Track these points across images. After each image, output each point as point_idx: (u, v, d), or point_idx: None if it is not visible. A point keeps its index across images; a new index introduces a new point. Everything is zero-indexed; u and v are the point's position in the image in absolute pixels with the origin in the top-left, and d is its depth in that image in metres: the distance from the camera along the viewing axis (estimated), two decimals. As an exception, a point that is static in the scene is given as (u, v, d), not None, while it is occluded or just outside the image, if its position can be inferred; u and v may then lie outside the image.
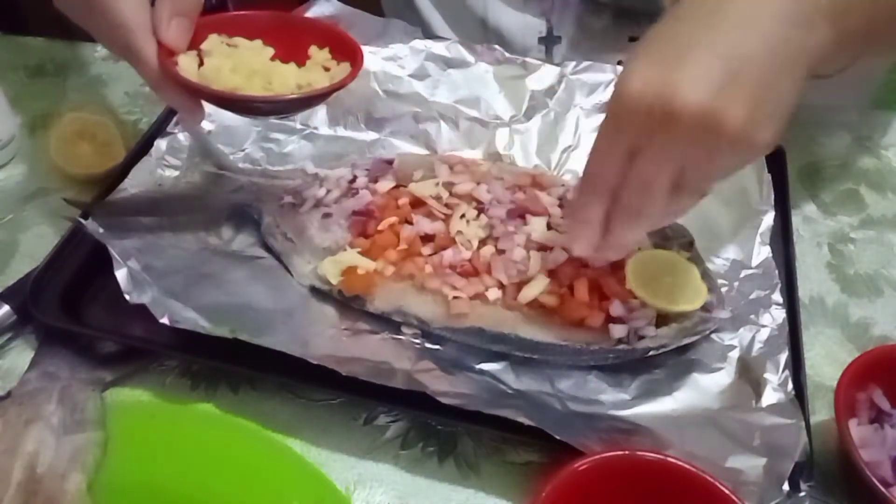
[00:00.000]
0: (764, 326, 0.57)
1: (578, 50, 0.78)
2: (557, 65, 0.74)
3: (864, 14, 0.47)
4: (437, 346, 0.58)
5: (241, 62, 0.55)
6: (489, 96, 0.74)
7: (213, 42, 0.55)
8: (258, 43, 0.57)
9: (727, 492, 0.45)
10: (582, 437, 0.49)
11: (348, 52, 0.57)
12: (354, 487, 0.53)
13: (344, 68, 0.57)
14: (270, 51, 0.57)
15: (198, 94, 0.53)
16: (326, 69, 0.57)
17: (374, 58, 0.73)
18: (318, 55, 0.58)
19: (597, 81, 0.73)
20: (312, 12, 0.75)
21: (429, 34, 0.78)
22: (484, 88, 0.74)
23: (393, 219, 0.61)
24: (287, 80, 0.55)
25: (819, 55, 0.45)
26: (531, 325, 0.56)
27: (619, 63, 0.79)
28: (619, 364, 0.56)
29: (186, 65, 0.53)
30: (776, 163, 0.70)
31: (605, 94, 0.73)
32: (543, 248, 0.59)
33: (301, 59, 0.57)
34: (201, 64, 0.54)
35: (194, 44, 0.54)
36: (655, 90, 0.41)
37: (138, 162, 0.67)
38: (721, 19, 0.43)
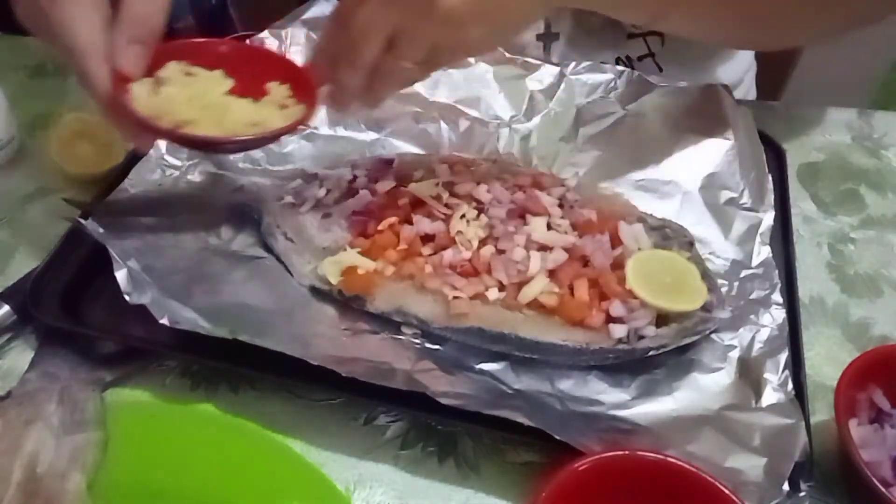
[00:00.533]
0: (764, 326, 0.57)
1: (576, 47, 0.78)
2: (557, 64, 0.74)
3: None
4: (437, 346, 0.58)
5: (197, 93, 0.54)
6: (489, 96, 0.74)
7: (171, 70, 0.54)
8: (218, 74, 0.56)
9: (727, 492, 0.45)
10: (582, 437, 0.49)
11: (308, 93, 0.56)
12: (354, 487, 0.53)
13: (299, 110, 0.56)
14: (229, 83, 0.55)
15: (146, 126, 0.52)
16: (283, 107, 0.56)
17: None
18: (277, 91, 0.56)
19: (597, 81, 0.73)
20: (312, 12, 0.75)
21: None
22: (484, 88, 0.74)
23: (393, 219, 0.61)
24: (240, 116, 0.54)
25: None
26: (531, 325, 0.56)
27: (618, 62, 0.79)
28: (619, 364, 0.56)
29: (140, 92, 0.52)
30: (776, 163, 0.71)
31: (604, 94, 0.73)
32: (543, 248, 0.59)
33: (260, 94, 0.56)
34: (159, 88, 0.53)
35: (152, 70, 0.53)
36: None
37: (138, 162, 0.67)
38: None
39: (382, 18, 0.51)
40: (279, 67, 0.58)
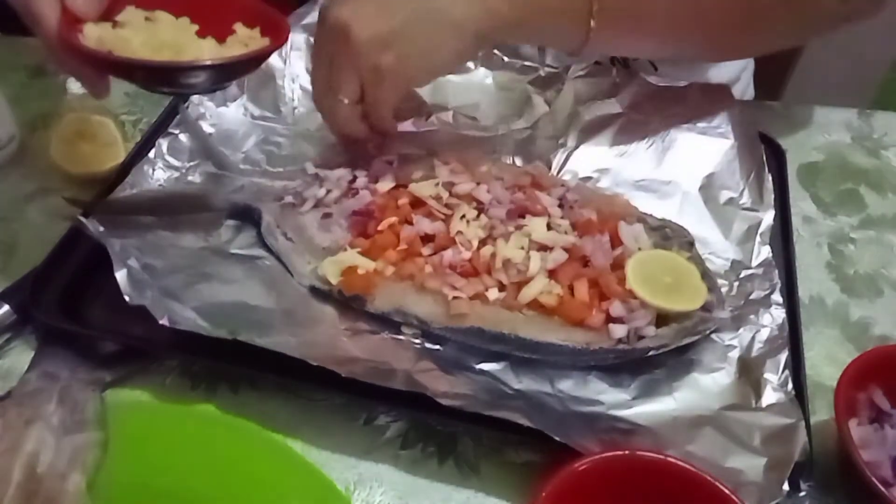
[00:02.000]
0: (764, 326, 0.57)
1: None
2: (556, 68, 0.74)
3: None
4: (437, 347, 0.58)
5: (153, 36, 0.51)
6: (489, 101, 0.74)
7: (130, 14, 0.52)
8: (184, 21, 0.54)
9: (727, 492, 0.45)
10: (582, 438, 0.49)
11: (277, 30, 0.55)
12: (354, 487, 0.53)
13: (265, 42, 0.54)
14: (193, 28, 0.53)
15: (98, 64, 0.50)
16: (247, 46, 0.54)
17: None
18: (242, 32, 0.55)
19: (596, 83, 0.73)
20: (312, 17, 0.75)
21: None
22: (483, 93, 0.74)
23: (393, 219, 0.61)
24: (200, 54, 0.52)
25: (478, 24, 0.58)
26: (531, 325, 0.56)
27: (613, 62, 0.79)
28: (619, 364, 0.56)
29: (92, 34, 0.50)
30: (776, 163, 0.71)
31: (604, 96, 0.73)
32: (543, 248, 0.59)
33: (226, 36, 0.54)
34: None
35: (110, 14, 0.51)
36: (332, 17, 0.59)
37: (138, 162, 0.67)
38: None
39: (322, 56, 0.61)
40: (245, 11, 0.56)
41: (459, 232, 0.60)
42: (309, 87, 0.74)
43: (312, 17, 0.75)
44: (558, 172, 0.71)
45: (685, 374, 0.56)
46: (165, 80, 0.54)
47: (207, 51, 0.53)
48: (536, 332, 0.55)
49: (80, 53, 0.49)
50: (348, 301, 0.59)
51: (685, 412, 0.54)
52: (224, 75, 0.56)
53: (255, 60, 0.54)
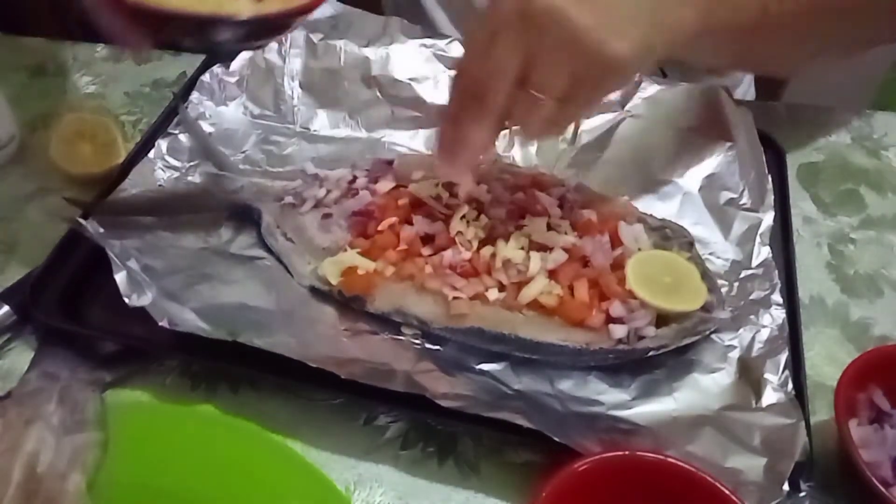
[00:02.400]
0: (764, 326, 0.57)
1: None
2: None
3: (731, 6, 0.53)
4: (436, 347, 0.58)
5: None
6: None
7: None
8: None
9: (727, 492, 0.45)
10: (582, 439, 0.49)
11: None
12: (354, 488, 0.53)
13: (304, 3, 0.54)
14: None
15: (140, 18, 0.50)
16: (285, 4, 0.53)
17: (374, 60, 0.74)
18: None
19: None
20: (313, 14, 0.75)
21: (433, 33, 0.78)
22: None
23: (393, 219, 0.61)
24: (240, 8, 0.51)
25: (679, 29, 0.51)
26: (531, 325, 0.56)
27: None
28: (619, 364, 0.56)
29: None
30: (776, 163, 0.70)
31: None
32: (543, 248, 0.59)
33: None
34: None
35: None
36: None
37: (138, 162, 0.67)
38: None
39: (513, 51, 0.49)
40: None
41: (459, 232, 0.60)
42: (308, 86, 0.75)
43: (313, 14, 0.75)
44: (558, 173, 0.71)
45: (685, 374, 0.56)
46: (205, 33, 0.54)
47: (247, 8, 0.52)
48: (536, 332, 0.55)
49: (123, 6, 0.49)
50: (348, 301, 0.59)
51: (685, 412, 0.54)
52: (262, 30, 0.55)
53: (295, 15, 0.53)
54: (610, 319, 0.55)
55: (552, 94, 0.51)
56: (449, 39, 0.75)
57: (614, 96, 0.72)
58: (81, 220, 0.59)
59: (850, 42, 0.65)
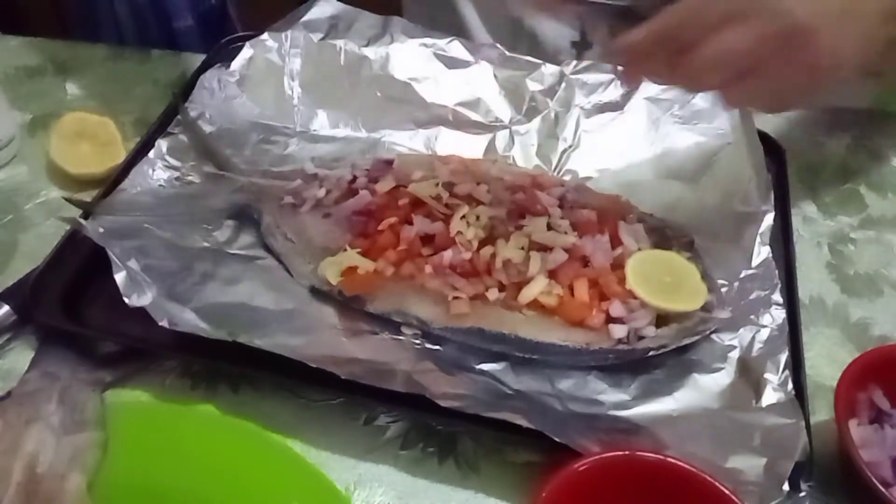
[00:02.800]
0: (764, 326, 0.57)
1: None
2: (557, 64, 0.74)
3: None
4: (437, 347, 0.58)
5: None
6: (490, 97, 0.74)
7: None
8: None
9: (727, 492, 0.45)
10: (582, 439, 0.49)
11: None
12: (354, 488, 0.53)
13: None
14: None
15: None
16: None
17: (374, 60, 0.74)
18: None
19: (597, 81, 0.73)
20: (312, 14, 0.75)
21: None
22: (484, 89, 0.74)
23: (393, 219, 0.61)
24: None
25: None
26: (531, 325, 0.56)
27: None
28: (619, 364, 0.56)
29: None
30: (776, 163, 0.71)
31: (604, 95, 0.73)
32: (543, 248, 0.59)
33: None
34: None
35: None
36: None
37: (138, 162, 0.67)
38: None
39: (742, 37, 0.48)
40: None
41: (459, 232, 0.60)
42: (308, 86, 0.75)
43: (312, 15, 0.75)
44: (558, 172, 0.71)
45: (685, 374, 0.56)
46: None
47: None
48: (536, 332, 0.55)
49: None
50: (348, 301, 0.59)
51: (685, 412, 0.54)
52: None
53: None
54: (610, 319, 0.55)
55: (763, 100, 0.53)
56: (449, 39, 0.75)
57: (614, 97, 0.73)
58: (81, 220, 0.59)
59: None
